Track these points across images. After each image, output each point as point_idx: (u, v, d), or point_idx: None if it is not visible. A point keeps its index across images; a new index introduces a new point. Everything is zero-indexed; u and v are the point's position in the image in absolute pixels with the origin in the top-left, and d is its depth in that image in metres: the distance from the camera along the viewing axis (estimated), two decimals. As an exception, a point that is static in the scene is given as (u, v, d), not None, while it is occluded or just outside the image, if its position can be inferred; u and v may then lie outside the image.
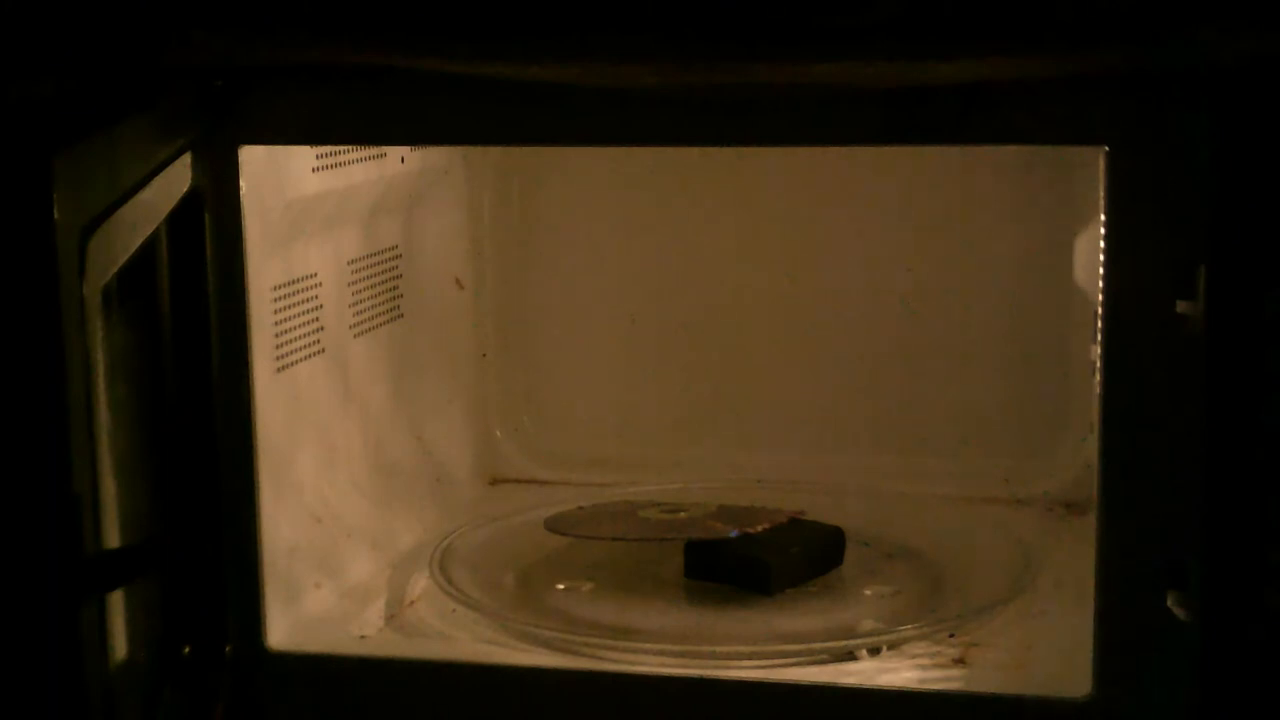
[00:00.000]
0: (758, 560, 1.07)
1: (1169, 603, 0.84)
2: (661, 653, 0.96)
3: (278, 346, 1.02)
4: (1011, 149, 1.21)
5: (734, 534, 1.08)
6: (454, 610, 1.06)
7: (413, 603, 1.09)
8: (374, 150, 1.13)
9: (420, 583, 1.11)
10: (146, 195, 0.81)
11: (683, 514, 1.13)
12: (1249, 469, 0.82)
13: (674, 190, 1.31)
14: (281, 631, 0.98)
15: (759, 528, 1.08)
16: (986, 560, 1.11)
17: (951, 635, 0.99)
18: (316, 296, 1.09)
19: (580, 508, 1.20)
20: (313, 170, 1.05)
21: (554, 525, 1.14)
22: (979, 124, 0.85)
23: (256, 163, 0.95)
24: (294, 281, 1.05)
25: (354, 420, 1.16)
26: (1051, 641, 0.98)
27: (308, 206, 1.05)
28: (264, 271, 0.98)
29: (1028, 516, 1.23)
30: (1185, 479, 0.83)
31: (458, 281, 1.32)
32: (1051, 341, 1.26)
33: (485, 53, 0.86)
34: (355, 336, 1.16)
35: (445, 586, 1.07)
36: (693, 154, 1.26)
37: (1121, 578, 0.86)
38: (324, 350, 1.10)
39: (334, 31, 0.87)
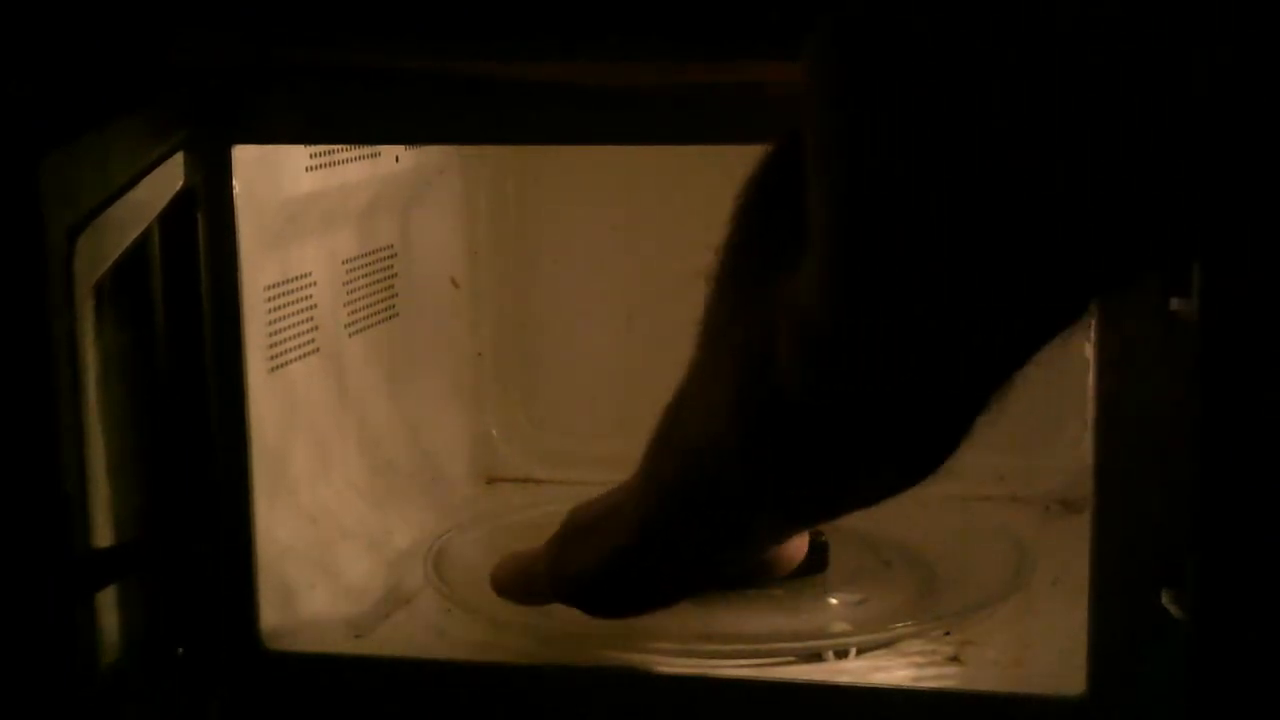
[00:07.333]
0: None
1: (1164, 601, 0.84)
2: (657, 651, 0.96)
3: (271, 346, 1.01)
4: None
5: None
6: (449, 610, 1.05)
7: (408, 602, 1.09)
8: (369, 149, 1.13)
9: (416, 582, 1.11)
10: (137, 194, 0.81)
11: None
12: (1245, 466, 0.81)
13: (673, 190, 1.31)
14: (276, 631, 0.98)
15: None
16: (982, 558, 1.10)
17: (947, 633, 0.99)
18: (311, 296, 1.09)
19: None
20: (306, 170, 1.05)
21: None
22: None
23: (250, 162, 0.95)
24: (288, 281, 1.04)
25: (349, 420, 1.16)
26: (1047, 639, 0.97)
27: (302, 206, 1.05)
28: (258, 271, 0.98)
29: (1024, 514, 1.22)
30: (1180, 476, 0.83)
31: (453, 281, 1.32)
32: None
33: (481, 52, 0.86)
34: (350, 336, 1.16)
35: (440, 586, 1.06)
36: (692, 153, 1.26)
37: (1117, 575, 0.86)
38: (319, 350, 1.10)
39: (329, 31, 0.87)
